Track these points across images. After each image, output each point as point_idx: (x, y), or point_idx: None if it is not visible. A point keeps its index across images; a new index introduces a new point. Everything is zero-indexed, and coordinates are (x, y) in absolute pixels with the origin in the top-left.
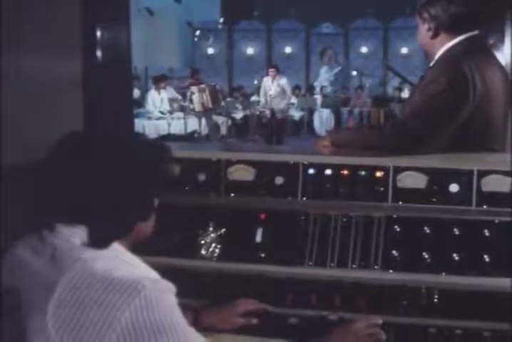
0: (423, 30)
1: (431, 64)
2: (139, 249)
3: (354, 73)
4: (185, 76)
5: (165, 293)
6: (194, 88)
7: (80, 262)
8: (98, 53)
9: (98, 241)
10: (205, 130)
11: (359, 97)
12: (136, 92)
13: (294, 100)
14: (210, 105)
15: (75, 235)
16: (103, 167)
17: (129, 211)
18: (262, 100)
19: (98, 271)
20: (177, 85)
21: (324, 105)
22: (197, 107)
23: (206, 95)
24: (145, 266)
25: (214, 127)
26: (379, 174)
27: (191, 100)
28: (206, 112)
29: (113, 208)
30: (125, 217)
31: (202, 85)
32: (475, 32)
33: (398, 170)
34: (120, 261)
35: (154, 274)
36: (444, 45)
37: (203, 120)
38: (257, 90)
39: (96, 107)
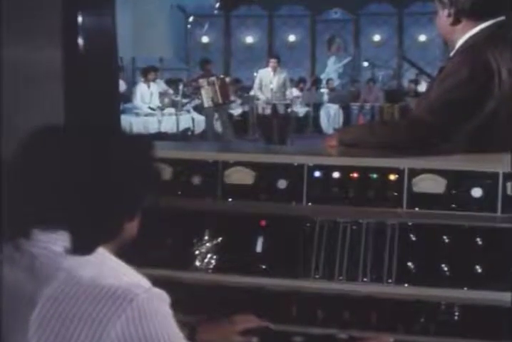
0: (443, 16)
1: (452, 54)
2: (125, 259)
3: (366, 63)
4: (177, 68)
5: (159, 303)
6: (202, 81)
7: (63, 272)
8: (80, 41)
9: (82, 247)
10: (213, 128)
11: (370, 91)
12: (122, 86)
13: (297, 93)
14: (220, 101)
15: (56, 241)
16: (82, 162)
17: (115, 211)
18: (260, 94)
19: (83, 281)
20: (186, 79)
21: (331, 100)
22: (206, 103)
23: (216, 89)
24: (134, 272)
25: (226, 125)
26: (392, 177)
27: (199, 95)
28: (216, 108)
29: (96, 209)
30: (112, 218)
31: (212, 78)
32: (501, 18)
33: (413, 173)
34: (108, 267)
35: (145, 281)
36: (466, 33)
37: (216, 116)
38: (259, 84)
39: (78, 101)
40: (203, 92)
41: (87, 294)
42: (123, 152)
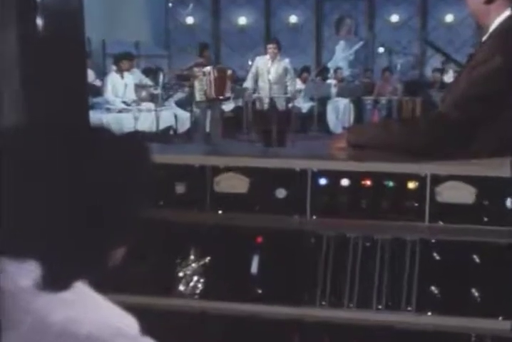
0: None
1: (484, 38)
2: (94, 284)
3: (381, 49)
4: (156, 54)
5: None
6: (198, 70)
7: (31, 314)
8: (39, 22)
9: (55, 282)
10: (203, 127)
11: (387, 83)
12: (91, 75)
13: (300, 85)
14: (213, 95)
15: (24, 274)
16: (57, 172)
17: (100, 235)
18: (256, 86)
19: (55, 328)
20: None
21: (340, 93)
22: (198, 96)
23: (211, 80)
24: (117, 309)
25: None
26: (412, 185)
27: (187, 87)
28: (209, 104)
29: (75, 233)
30: (95, 245)
31: (208, 68)
32: None
33: (437, 180)
34: (86, 308)
35: (132, 325)
36: (502, 14)
37: (208, 114)
38: (255, 74)
39: (37, 94)
40: (196, 83)
41: None
42: (110, 159)
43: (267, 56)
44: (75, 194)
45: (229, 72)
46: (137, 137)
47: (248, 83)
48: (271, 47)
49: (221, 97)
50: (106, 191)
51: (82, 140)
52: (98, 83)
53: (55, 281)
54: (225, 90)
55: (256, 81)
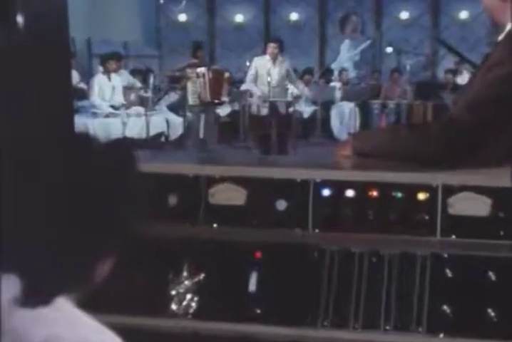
0: None
1: (500, 37)
2: (80, 304)
3: (389, 49)
4: (146, 55)
5: None
6: (191, 71)
7: (9, 334)
8: (19, 19)
9: (37, 296)
10: (196, 133)
11: (395, 85)
12: (75, 77)
13: (302, 88)
14: (208, 98)
15: (1, 289)
16: (38, 182)
17: (85, 247)
18: (255, 89)
19: None
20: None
21: (345, 97)
22: (191, 100)
23: (205, 82)
24: (100, 326)
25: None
26: (422, 196)
27: (180, 90)
28: (204, 108)
29: (57, 245)
30: (79, 258)
31: (202, 69)
32: None
33: (450, 190)
34: (66, 324)
35: (112, 340)
36: None
37: (202, 118)
38: (254, 76)
39: (17, 97)
40: (189, 85)
41: None
42: (93, 168)
43: (267, 57)
44: (56, 204)
45: (226, 74)
46: (123, 144)
47: (247, 86)
48: (272, 46)
49: (216, 101)
50: (89, 201)
51: (64, 148)
52: (83, 85)
53: (35, 296)
54: (221, 94)
55: (255, 83)
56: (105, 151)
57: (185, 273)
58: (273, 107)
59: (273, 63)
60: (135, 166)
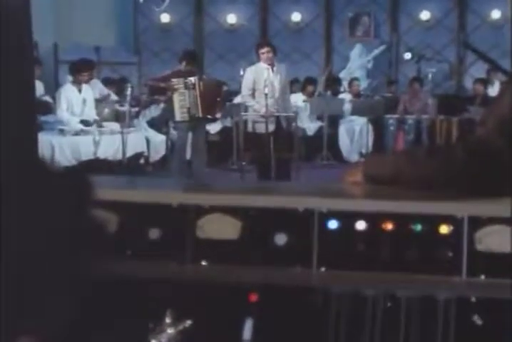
0: None
1: None
2: None
3: (408, 55)
4: (122, 62)
5: None
6: (177, 81)
7: None
8: None
9: None
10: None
11: (415, 97)
12: (39, 88)
13: (305, 101)
14: (200, 113)
15: None
16: None
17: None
18: (252, 102)
19: None
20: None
21: (356, 111)
22: (179, 115)
23: (196, 95)
24: None
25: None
26: (445, 229)
27: (170, 102)
28: (193, 124)
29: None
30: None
31: (192, 79)
32: None
33: (477, 223)
34: None
35: None
36: None
37: (189, 136)
38: (251, 87)
39: None
40: (176, 98)
41: None
42: (38, 203)
43: (263, 64)
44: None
45: (223, 86)
46: (76, 173)
47: (241, 98)
48: (264, 51)
49: (210, 117)
50: (43, 242)
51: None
52: (48, 98)
53: None
54: (216, 109)
55: (252, 96)
56: (52, 181)
57: (167, 320)
58: (275, 123)
59: (272, 71)
60: (90, 200)
